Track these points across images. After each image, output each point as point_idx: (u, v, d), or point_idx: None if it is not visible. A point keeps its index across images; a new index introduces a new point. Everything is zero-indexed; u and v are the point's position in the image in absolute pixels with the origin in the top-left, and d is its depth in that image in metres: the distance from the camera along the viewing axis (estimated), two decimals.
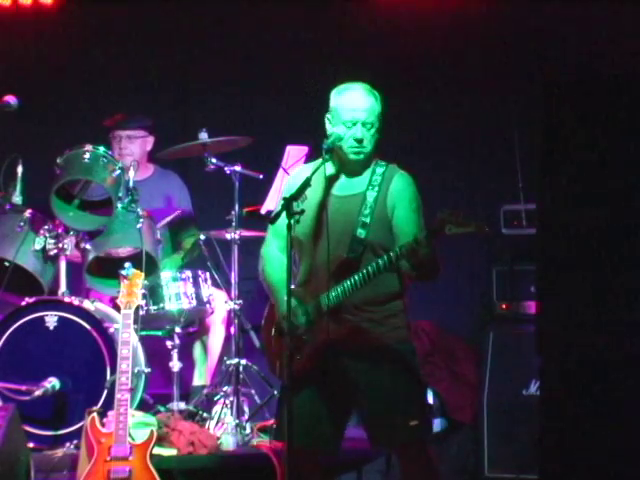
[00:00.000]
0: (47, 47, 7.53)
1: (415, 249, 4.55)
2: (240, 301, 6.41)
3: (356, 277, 4.66)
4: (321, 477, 4.92)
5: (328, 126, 4.85)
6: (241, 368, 6.27)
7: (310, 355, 4.72)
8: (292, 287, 4.60)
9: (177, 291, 6.35)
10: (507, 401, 6.51)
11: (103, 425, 5.39)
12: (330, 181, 4.83)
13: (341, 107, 4.78)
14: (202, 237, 6.56)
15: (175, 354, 6.36)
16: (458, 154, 7.42)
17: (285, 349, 4.46)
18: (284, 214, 4.54)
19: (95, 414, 5.38)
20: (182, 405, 6.30)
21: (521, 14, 7.25)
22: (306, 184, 4.65)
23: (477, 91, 7.38)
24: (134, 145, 6.80)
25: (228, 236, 6.46)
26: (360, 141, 4.76)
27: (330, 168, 4.85)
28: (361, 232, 4.74)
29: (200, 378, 6.71)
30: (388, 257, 4.60)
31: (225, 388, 6.26)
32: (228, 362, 6.33)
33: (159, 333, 6.50)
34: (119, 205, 6.19)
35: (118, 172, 6.18)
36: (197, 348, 6.74)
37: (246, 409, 6.26)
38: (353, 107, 4.76)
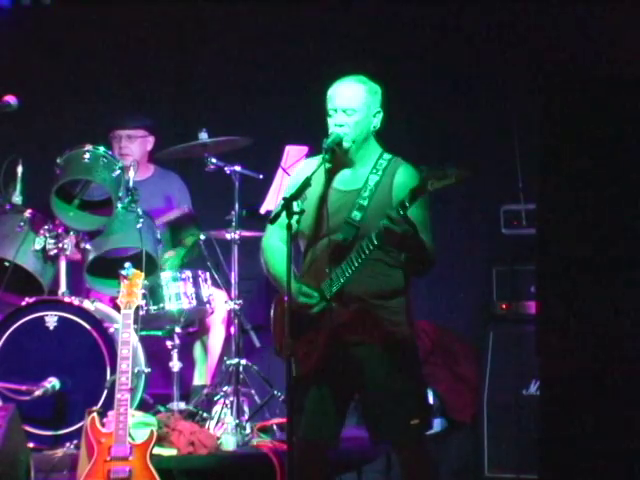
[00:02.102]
0: (47, 47, 7.52)
1: (391, 228, 4.54)
2: (240, 301, 6.41)
3: (352, 256, 4.65)
4: (328, 471, 4.94)
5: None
6: (241, 368, 6.27)
7: (320, 346, 4.74)
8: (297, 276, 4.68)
9: (177, 291, 6.35)
10: (507, 401, 6.51)
11: (103, 425, 5.39)
12: (332, 176, 4.85)
13: (328, 98, 4.85)
14: (202, 237, 6.56)
15: (175, 354, 6.36)
16: (458, 154, 7.41)
17: (291, 348, 4.48)
18: (284, 214, 4.55)
19: (95, 414, 5.38)
20: (182, 405, 6.30)
21: (521, 14, 7.25)
22: (306, 184, 4.66)
23: (477, 91, 7.38)
24: (134, 145, 6.80)
25: (228, 236, 6.46)
26: (340, 127, 4.77)
27: (331, 165, 4.84)
28: (356, 214, 4.75)
29: (200, 378, 6.71)
30: (369, 239, 4.60)
31: (225, 388, 6.26)
32: (228, 362, 6.33)
33: (159, 333, 6.50)
34: (119, 205, 6.20)
35: (118, 172, 6.18)
36: (197, 348, 6.74)
37: (246, 409, 6.26)
38: (334, 96, 4.82)
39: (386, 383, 4.76)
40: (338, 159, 4.84)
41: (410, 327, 4.85)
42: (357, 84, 4.84)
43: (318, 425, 4.79)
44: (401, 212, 4.54)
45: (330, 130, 4.80)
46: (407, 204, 4.53)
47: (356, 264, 4.67)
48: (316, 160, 4.90)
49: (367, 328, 4.76)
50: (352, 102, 4.79)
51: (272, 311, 4.95)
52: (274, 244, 4.89)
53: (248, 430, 6.09)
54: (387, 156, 4.86)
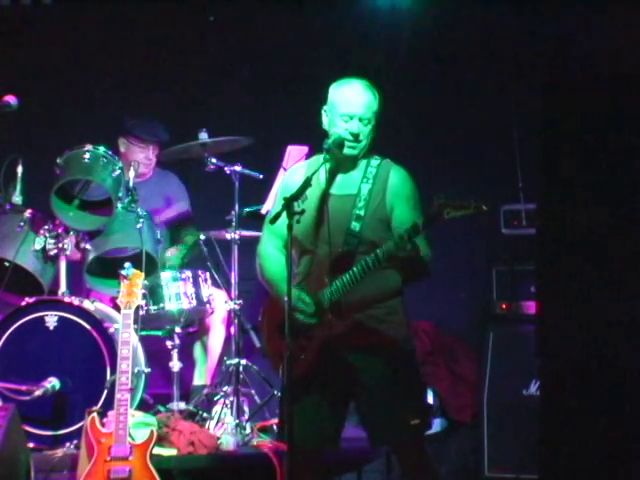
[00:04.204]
0: (47, 47, 7.53)
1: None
2: (240, 301, 6.41)
3: (354, 270, 4.65)
4: (323, 476, 4.94)
5: (325, 119, 4.86)
6: (241, 368, 6.27)
7: (312, 353, 4.73)
8: (293, 285, 4.62)
9: (177, 291, 6.35)
10: (507, 401, 6.51)
11: (103, 425, 5.38)
12: (328, 180, 4.84)
13: (338, 101, 4.79)
14: (202, 237, 6.56)
15: (175, 354, 6.36)
16: (458, 154, 7.42)
17: (291, 349, 4.47)
18: (284, 214, 4.54)
19: (95, 414, 5.37)
20: (182, 405, 6.30)
21: (521, 14, 7.25)
22: (307, 184, 4.65)
23: (477, 91, 7.38)
24: (155, 155, 6.81)
25: (228, 236, 6.46)
26: (356, 136, 4.76)
27: (330, 167, 4.85)
28: (355, 225, 4.75)
29: (200, 378, 6.71)
30: (387, 247, 4.59)
31: (225, 388, 6.26)
32: (228, 362, 6.33)
33: (159, 333, 6.50)
34: (119, 205, 6.20)
35: (118, 172, 6.18)
36: (197, 348, 6.74)
37: (246, 409, 6.26)
38: (350, 101, 4.77)
39: (383, 386, 4.75)
40: (337, 162, 4.84)
41: (406, 327, 4.85)
42: (368, 92, 4.79)
43: (312, 432, 4.76)
44: (408, 236, 4.52)
45: (338, 133, 4.76)
46: (421, 229, 4.52)
47: (358, 277, 4.65)
48: (307, 164, 4.91)
49: (363, 337, 4.75)
50: (369, 111, 4.77)
51: (261, 312, 4.95)
52: (269, 251, 4.89)
53: (248, 430, 6.09)
54: (375, 162, 4.85)
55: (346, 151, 4.79)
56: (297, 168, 5.00)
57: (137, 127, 6.76)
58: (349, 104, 4.76)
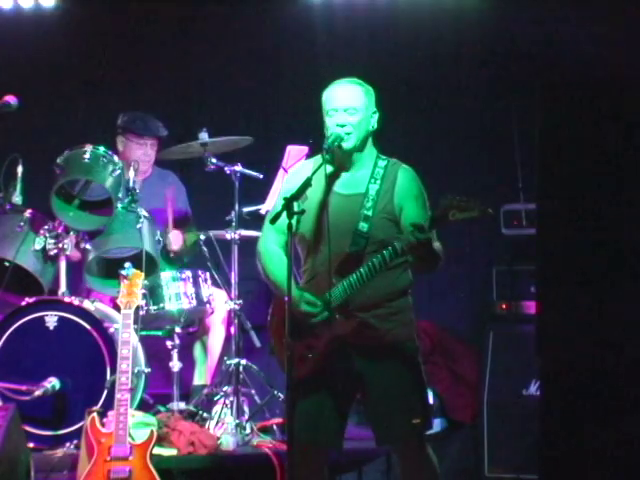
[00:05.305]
0: (47, 47, 7.53)
1: (420, 241, 4.52)
2: (240, 301, 6.41)
3: (362, 270, 4.66)
4: (327, 474, 4.94)
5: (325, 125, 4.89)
6: (241, 368, 6.27)
7: (319, 351, 4.74)
8: (299, 284, 4.66)
9: (177, 291, 6.35)
10: (507, 401, 6.51)
11: (103, 425, 5.39)
12: (332, 179, 4.85)
13: (326, 98, 4.87)
14: (202, 237, 6.56)
15: (175, 354, 6.36)
16: (458, 154, 7.42)
17: (291, 349, 4.46)
18: (284, 214, 4.54)
19: (95, 414, 5.38)
20: (182, 405, 6.30)
21: (521, 14, 7.25)
22: (307, 184, 4.65)
23: (477, 91, 7.38)
24: (153, 151, 6.81)
25: (228, 236, 6.46)
26: (342, 126, 4.78)
27: (331, 167, 4.85)
28: (363, 225, 4.76)
29: (200, 378, 6.71)
30: (394, 248, 4.59)
31: (225, 388, 6.27)
32: (228, 362, 6.33)
33: (159, 333, 6.50)
34: (119, 205, 6.20)
35: (118, 172, 6.18)
36: (197, 348, 6.74)
37: (246, 409, 6.26)
38: (335, 96, 4.85)
39: (387, 385, 4.76)
40: (337, 161, 4.85)
41: (412, 327, 4.86)
42: (354, 85, 4.87)
43: (316, 429, 4.77)
44: (415, 237, 4.51)
45: (330, 131, 4.80)
46: (426, 229, 4.51)
47: (366, 278, 4.66)
48: (313, 161, 4.92)
49: (368, 336, 4.76)
50: (353, 101, 4.82)
51: (270, 310, 4.95)
52: (271, 249, 4.89)
53: (248, 430, 6.09)
54: (382, 162, 4.87)
55: (339, 144, 4.80)
56: (302, 167, 5.00)
57: (134, 124, 6.76)
58: (333, 99, 4.84)
